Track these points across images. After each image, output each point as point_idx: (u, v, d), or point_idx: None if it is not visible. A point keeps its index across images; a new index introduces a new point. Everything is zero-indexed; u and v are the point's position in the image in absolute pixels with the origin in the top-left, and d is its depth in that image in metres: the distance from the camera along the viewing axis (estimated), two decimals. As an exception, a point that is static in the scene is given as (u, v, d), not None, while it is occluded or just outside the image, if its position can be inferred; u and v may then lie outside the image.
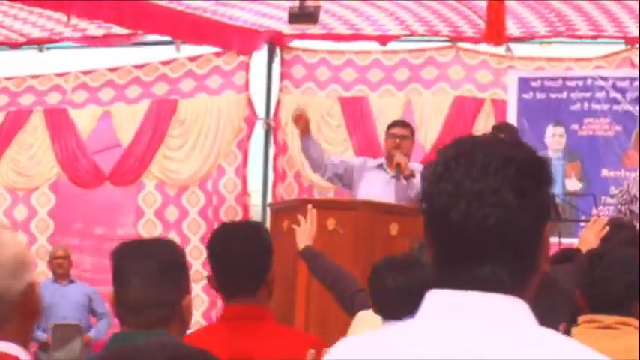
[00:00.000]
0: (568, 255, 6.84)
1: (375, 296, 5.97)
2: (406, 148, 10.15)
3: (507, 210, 2.64)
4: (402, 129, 10.26)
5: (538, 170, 2.72)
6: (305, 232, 7.18)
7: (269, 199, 12.88)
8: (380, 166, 10.13)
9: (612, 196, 10.84)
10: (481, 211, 2.65)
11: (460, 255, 2.68)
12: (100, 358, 2.40)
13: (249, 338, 4.82)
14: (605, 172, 11.62)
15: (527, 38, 12.32)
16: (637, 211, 9.62)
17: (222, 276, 5.34)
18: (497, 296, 2.65)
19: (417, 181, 9.93)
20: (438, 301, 2.71)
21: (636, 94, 11.96)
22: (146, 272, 4.17)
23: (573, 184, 12.28)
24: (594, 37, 12.22)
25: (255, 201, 13.29)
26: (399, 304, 5.49)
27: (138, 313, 4.22)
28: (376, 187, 10.04)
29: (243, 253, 5.03)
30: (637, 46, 12.15)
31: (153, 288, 4.13)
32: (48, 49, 12.87)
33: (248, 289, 5.05)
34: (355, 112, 12.81)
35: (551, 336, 2.70)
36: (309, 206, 8.04)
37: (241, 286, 4.95)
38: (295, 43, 13.21)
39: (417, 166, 10.31)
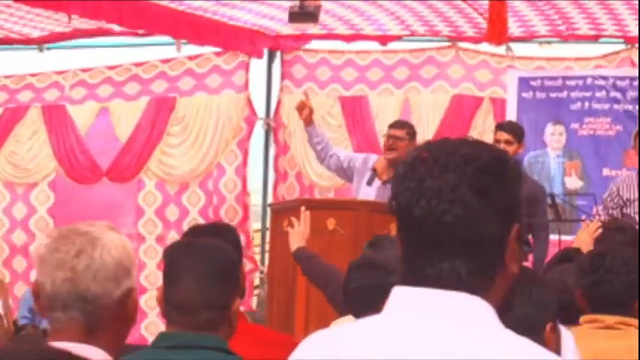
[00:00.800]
0: (568, 255, 6.76)
1: (343, 295, 5.95)
2: (401, 149, 10.19)
3: (466, 207, 2.67)
4: (398, 130, 10.37)
5: (501, 169, 2.74)
6: (298, 234, 7.17)
7: (270, 199, 12.89)
8: (374, 170, 10.21)
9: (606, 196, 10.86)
10: (440, 208, 2.68)
11: (423, 251, 2.72)
12: None
13: None
14: (606, 172, 11.62)
15: (528, 38, 12.35)
16: (630, 214, 9.68)
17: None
18: (454, 294, 2.68)
19: None
20: (399, 297, 2.75)
21: (637, 93, 11.96)
22: (202, 273, 4.15)
23: (574, 183, 12.31)
24: (595, 37, 12.19)
25: (255, 201, 13.35)
26: (359, 303, 5.44)
27: (188, 314, 4.21)
28: (364, 189, 10.18)
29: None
30: (637, 45, 12.12)
31: (206, 290, 4.11)
32: (48, 48, 12.89)
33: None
34: (355, 112, 12.83)
35: (506, 337, 2.70)
36: (303, 208, 8.01)
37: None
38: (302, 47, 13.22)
39: None
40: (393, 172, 10.16)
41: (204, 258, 4.40)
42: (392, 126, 10.45)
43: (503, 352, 2.70)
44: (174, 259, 4.46)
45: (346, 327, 2.96)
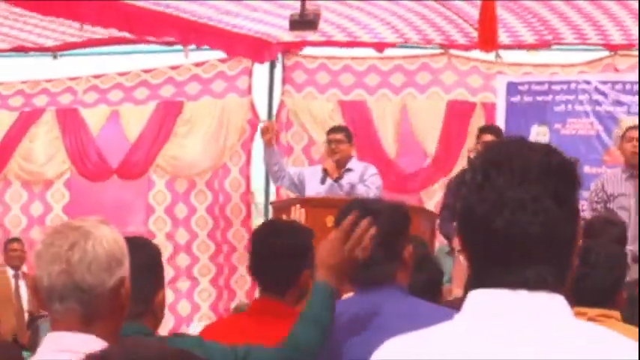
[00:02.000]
0: None
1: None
2: (343, 151, 10.33)
3: (548, 216, 2.71)
4: (337, 134, 10.51)
5: (572, 175, 2.78)
6: None
7: (272, 197, 12.83)
8: (324, 170, 10.29)
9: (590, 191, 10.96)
10: (525, 219, 2.68)
11: (503, 259, 2.71)
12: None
13: (265, 331, 4.78)
14: (587, 169, 11.61)
15: (516, 46, 12.34)
16: (613, 208, 9.65)
17: (256, 271, 5.45)
18: (542, 294, 2.69)
19: (344, 181, 10.23)
20: (484, 300, 2.74)
21: (619, 96, 12.04)
22: None
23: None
24: (579, 44, 12.28)
25: (258, 199, 13.36)
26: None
27: None
28: (316, 187, 10.30)
29: (277, 253, 5.09)
30: (619, 52, 12.20)
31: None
32: (61, 55, 12.91)
33: (278, 287, 5.11)
34: (355, 116, 12.83)
35: (590, 328, 2.78)
36: (297, 205, 8.25)
37: (272, 283, 5.06)
38: (301, 52, 13.27)
39: (358, 165, 10.53)
40: (339, 171, 10.29)
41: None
42: (331, 131, 10.64)
43: (595, 346, 2.69)
44: None
45: (438, 331, 2.84)
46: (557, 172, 2.74)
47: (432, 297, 5.84)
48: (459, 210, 2.79)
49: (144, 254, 4.38)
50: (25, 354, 6.89)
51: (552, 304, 2.71)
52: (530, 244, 2.69)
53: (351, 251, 4.13)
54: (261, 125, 11.55)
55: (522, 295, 2.69)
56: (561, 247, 2.75)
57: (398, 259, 4.64)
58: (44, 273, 3.36)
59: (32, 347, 9.43)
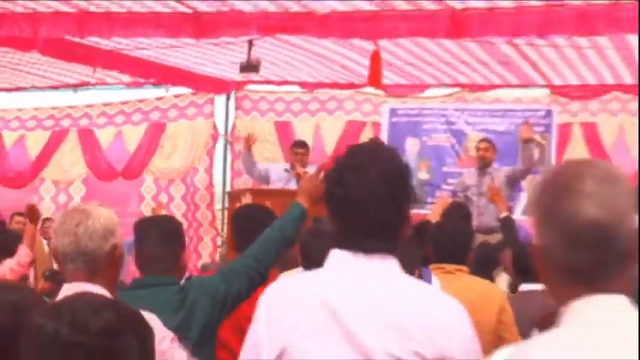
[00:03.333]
0: (422, 225, 6.71)
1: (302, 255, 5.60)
2: (305, 160, 10.34)
3: (385, 203, 2.73)
4: (302, 148, 10.53)
5: (405, 179, 2.81)
6: None
7: (227, 188, 12.83)
8: (286, 170, 10.36)
9: (450, 185, 11.10)
10: (365, 209, 2.73)
11: (354, 230, 2.74)
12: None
13: None
14: (445, 169, 11.78)
15: (395, 86, 12.08)
16: (469, 195, 9.86)
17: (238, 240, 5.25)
18: (375, 257, 2.72)
19: None
20: (339, 258, 2.77)
21: (467, 119, 12.15)
22: (156, 237, 4.19)
23: (424, 175, 12.17)
24: (438, 86, 12.13)
25: (218, 190, 13.29)
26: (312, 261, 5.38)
27: (150, 263, 4.18)
28: (280, 174, 10.45)
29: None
30: (466, 89, 12.22)
31: (160, 247, 4.13)
32: (80, 90, 12.79)
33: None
34: (285, 133, 12.83)
35: (412, 281, 2.83)
36: (247, 194, 8.18)
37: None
38: (247, 88, 13.19)
39: (311, 168, 10.55)
40: (303, 170, 10.04)
41: (157, 226, 4.38)
42: (297, 145, 10.63)
43: (415, 288, 2.78)
44: (139, 228, 4.35)
45: (308, 276, 3.00)
46: (395, 173, 2.77)
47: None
48: (328, 196, 2.83)
49: (171, 225, 4.41)
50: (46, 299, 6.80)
51: (383, 265, 2.72)
52: (369, 224, 2.72)
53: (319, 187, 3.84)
54: (227, 137, 11.69)
55: (360, 257, 2.71)
56: (392, 226, 2.75)
57: None
58: (59, 243, 3.45)
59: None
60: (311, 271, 2.93)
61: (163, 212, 11.04)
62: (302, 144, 10.74)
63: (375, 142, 3.02)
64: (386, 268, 2.73)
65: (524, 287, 5.91)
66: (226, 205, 12.13)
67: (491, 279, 6.70)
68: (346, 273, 2.74)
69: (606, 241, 1.90)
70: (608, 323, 1.89)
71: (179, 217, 12.58)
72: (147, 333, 1.96)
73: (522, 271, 6.03)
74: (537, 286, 5.59)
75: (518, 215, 9.94)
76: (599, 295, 1.91)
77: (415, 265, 4.04)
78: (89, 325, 1.85)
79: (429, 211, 8.60)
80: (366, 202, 2.73)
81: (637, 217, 1.93)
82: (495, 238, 8.47)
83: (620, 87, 11.49)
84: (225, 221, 12.25)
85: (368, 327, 2.62)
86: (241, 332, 4.48)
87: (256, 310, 2.85)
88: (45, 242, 11.47)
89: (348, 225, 2.76)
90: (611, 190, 1.92)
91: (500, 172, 9.88)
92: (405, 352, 2.58)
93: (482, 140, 10.43)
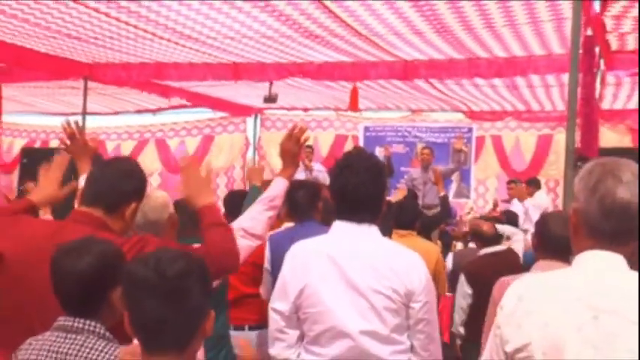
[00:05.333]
0: (388, 206, 6.57)
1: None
2: (310, 157, 10.27)
3: (368, 190, 2.74)
4: (309, 148, 10.37)
5: (382, 170, 2.84)
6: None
7: None
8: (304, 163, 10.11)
9: (405, 180, 11.03)
10: (357, 191, 2.74)
11: (349, 208, 2.76)
12: None
13: None
14: (402, 169, 11.61)
15: (368, 109, 11.99)
16: (417, 186, 9.63)
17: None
18: (364, 225, 2.75)
19: (314, 173, 10.06)
20: (340, 226, 2.78)
21: (416, 133, 12.14)
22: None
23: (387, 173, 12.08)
24: (398, 109, 12.01)
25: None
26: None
27: None
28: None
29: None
30: (416, 113, 12.18)
31: None
32: (157, 113, 12.66)
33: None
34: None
35: (387, 241, 2.86)
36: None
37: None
38: (267, 112, 13.08)
39: (318, 166, 10.57)
40: (310, 166, 10.23)
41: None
42: (306, 147, 10.09)
43: (392, 246, 2.80)
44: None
45: (319, 238, 2.85)
46: (375, 169, 2.80)
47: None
48: (331, 185, 2.85)
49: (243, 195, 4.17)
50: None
51: (369, 230, 2.76)
52: (359, 203, 2.75)
53: (297, 147, 3.20)
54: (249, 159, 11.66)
55: (353, 225, 2.76)
56: (374, 204, 2.78)
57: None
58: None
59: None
60: (321, 236, 2.86)
61: None
62: (309, 146, 10.59)
63: (359, 150, 3.06)
64: (370, 232, 2.77)
65: (487, 250, 5.67)
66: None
67: (430, 239, 6.68)
68: (343, 235, 2.77)
69: (630, 216, 1.82)
70: (607, 269, 1.83)
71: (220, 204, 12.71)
72: (207, 276, 1.84)
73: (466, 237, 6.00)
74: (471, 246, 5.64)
75: (450, 198, 10.00)
76: (610, 251, 1.83)
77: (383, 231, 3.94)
78: (167, 271, 1.75)
79: (392, 196, 8.61)
80: (356, 188, 2.75)
81: None
82: (433, 212, 8.51)
83: (515, 113, 11.53)
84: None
85: (358, 271, 2.67)
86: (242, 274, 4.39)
87: (283, 264, 2.83)
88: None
89: (345, 203, 2.78)
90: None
91: (437, 169, 9.86)
92: (382, 286, 2.65)
93: (424, 148, 10.41)
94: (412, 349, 2.70)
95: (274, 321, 2.79)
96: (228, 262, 2.57)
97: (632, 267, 1.85)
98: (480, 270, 5.11)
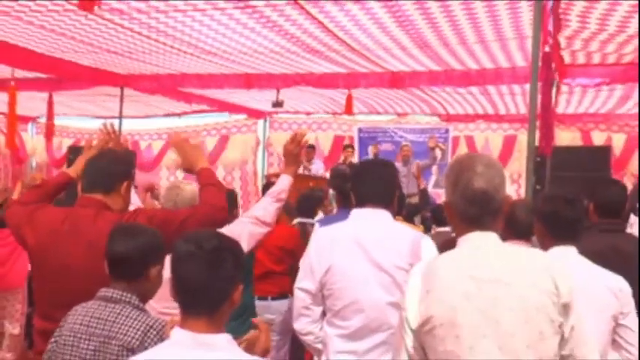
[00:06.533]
0: None
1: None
2: (310, 156, 10.06)
3: (387, 186, 2.74)
4: (310, 148, 10.18)
5: (394, 172, 2.85)
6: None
7: (265, 173, 12.56)
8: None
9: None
10: (375, 187, 2.72)
11: (364, 199, 2.74)
12: None
13: None
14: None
15: (362, 113, 11.95)
16: (401, 178, 9.54)
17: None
18: (381, 209, 2.71)
19: (313, 168, 9.92)
20: (359, 213, 2.74)
21: (401, 134, 12.06)
22: None
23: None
24: (386, 113, 11.97)
25: (259, 173, 13.05)
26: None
27: None
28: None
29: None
30: (402, 116, 12.05)
31: None
32: (182, 116, 12.53)
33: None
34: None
35: (399, 224, 2.80)
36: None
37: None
38: (275, 115, 12.92)
39: (318, 163, 10.50)
40: (310, 162, 10.02)
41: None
42: (308, 147, 10.12)
43: (397, 226, 2.74)
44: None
45: (336, 225, 2.78)
46: (389, 172, 2.82)
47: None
48: (351, 182, 2.84)
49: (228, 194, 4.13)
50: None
51: (383, 214, 2.72)
52: (375, 197, 2.73)
53: (298, 149, 3.03)
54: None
55: (371, 210, 2.72)
56: (388, 196, 2.76)
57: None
58: (166, 205, 3.32)
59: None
60: (342, 222, 2.80)
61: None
62: (311, 146, 10.47)
63: (377, 158, 3.05)
64: (385, 217, 2.74)
65: (438, 229, 5.91)
66: (263, 182, 11.95)
67: (413, 223, 6.67)
68: (363, 220, 2.73)
69: (488, 201, 1.86)
70: (482, 245, 1.87)
71: (237, 190, 12.70)
72: (239, 254, 1.82)
73: (437, 220, 6.03)
74: (446, 229, 5.62)
75: (430, 188, 9.99)
76: (481, 231, 1.88)
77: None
78: (204, 245, 1.76)
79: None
80: (375, 184, 2.75)
81: (505, 189, 1.91)
82: (414, 200, 8.50)
83: (485, 116, 11.47)
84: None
85: (378, 249, 2.64)
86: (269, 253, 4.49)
87: (307, 248, 2.79)
88: (155, 202, 11.38)
89: (363, 195, 2.75)
90: (492, 172, 1.87)
91: (414, 164, 9.84)
92: (403, 263, 2.60)
93: (404, 145, 10.38)
94: None
95: (300, 299, 2.72)
96: (216, 215, 2.55)
97: (504, 240, 1.89)
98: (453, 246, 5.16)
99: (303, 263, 2.77)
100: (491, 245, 1.86)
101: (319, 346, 2.70)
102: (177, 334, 1.75)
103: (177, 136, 2.87)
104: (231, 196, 4.29)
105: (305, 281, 2.73)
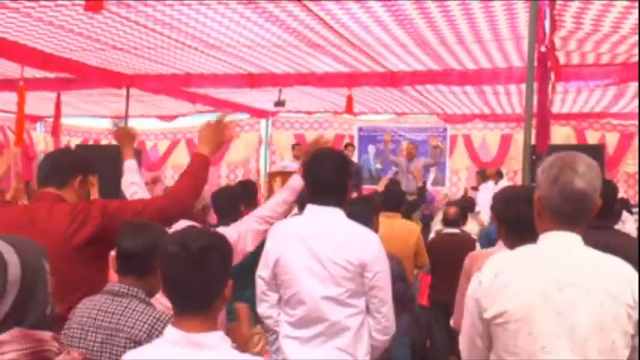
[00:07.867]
0: (375, 195, 6.51)
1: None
2: (302, 155, 9.97)
3: (336, 179, 2.67)
4: (300, 146, 10.15)
5: (346, 164, 2.74)
6: None
7: (267, 170, 12.52)
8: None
9: (392, 170, 10.84)
10: (325, 180, 2.67)
11: (319, 193, 2.69)
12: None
13: None
14: (392, 157, 11.18)
15: (361, 113, 11.91)
16: (401, 175, 9.46)
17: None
18: (332, 207, 2.67)
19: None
20: (312, 208, 2.69)
21: (400, 133, 12.05)
22: None
23: (379, 166, 11.90)
24: (383, 112, 11.86)
25: (262, 172, 13.06)
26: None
27: None
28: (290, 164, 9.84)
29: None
30: (402, 115, 12.04)
31: None
32: (187, 117, 12.47)
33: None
34: (300, 140, 12.11)
35: (348, 221, 2.69)
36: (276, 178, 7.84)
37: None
38: (277, 115, 12.91)
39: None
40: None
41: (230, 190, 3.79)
42: (297, 145, 10.33)
43: (353, 226, 2.68)
44: (215, 194, 3.62)
45: (300, 217, 2.75)
46: (339, 165, 2.72)
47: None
48: (304, 176, 2.76)
49: (232, 191, 4.15)
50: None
51: (333, 212, 2.66)
52: (329, 189, 2.68)
53: (223, 136, 2.81)
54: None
55: (322, 207, 2.68)
56: (338, 193, 2.69)
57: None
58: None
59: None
60: (296, 217, 2.85)
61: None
62: (299, 145, 10.49)
63: (328, 149, 2.91)
64: (335, 214, 2.69)
65: (446, 230, 5.84)
66: (266, 179, 11.93)
67: (412, 220, 6.65)
68: (313, 216, 2.71)
69: (585, 202, 1.84)
70: (565, 245, 1.84)
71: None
72: (226, 251, 1.77)
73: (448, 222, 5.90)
74: (455, 230, 5.67)
75: (428, 186, 9.99)
76: (569, 230, 1.84)
77: (373, 214, 3.91)
78: (190, 246, 1.70)
79: (378, 185, 8.57)
80: (324, 179, 2.70)
81: (599, 192, 1.88)
82: (413, 197, 8.49)
83: (482, 115, 11.44)
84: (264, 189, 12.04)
85: (321, 244, 2.63)
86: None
87: (266, 239, 2.81)
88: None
89: (316, 191, 2.72)
90: (593, 174, 1.85)
91: (419, 161, 9.82)
92: (339, 258, 2.60)
93: (408, 144, 10.38)
94: (368, 310, 2.67)
95: (259, 285, 2.78)
96: (170, 209, 2.52)
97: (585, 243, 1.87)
98: (438, 246, 5.57)
99: (263, 253, 2.80)
100: (575, 247, 1.84)
101: (278, 328, 2.75)
102: (170, 333, 1.73)
103: (217, 121, 2.79)
104: (249, 186, 4.37)
105: (262, 270, 2.78)
